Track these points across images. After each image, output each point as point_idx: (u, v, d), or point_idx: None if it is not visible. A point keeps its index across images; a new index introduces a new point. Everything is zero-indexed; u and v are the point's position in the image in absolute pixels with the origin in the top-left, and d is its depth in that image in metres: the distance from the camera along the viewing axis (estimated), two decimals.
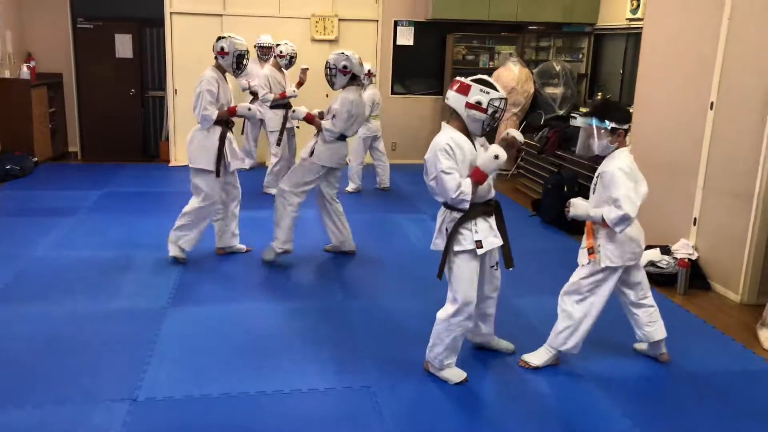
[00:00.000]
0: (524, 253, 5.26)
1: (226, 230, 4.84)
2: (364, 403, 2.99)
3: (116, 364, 3.23)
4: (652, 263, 4.67)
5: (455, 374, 3.18)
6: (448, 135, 2.99)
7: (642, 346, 3.58)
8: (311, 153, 4.62)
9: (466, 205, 2.95)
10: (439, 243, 3.12)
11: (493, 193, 3.17)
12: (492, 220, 3.15)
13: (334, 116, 4.57)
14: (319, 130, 4.65)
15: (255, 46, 7.64)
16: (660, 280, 4.61)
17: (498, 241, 3.14)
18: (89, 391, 2.97)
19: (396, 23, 8.59)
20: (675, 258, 4.66)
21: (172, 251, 4.64)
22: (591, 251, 3.22)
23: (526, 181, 7.45)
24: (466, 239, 3.02)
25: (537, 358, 3.38)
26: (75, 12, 8.19)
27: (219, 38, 4.53)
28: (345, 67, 4.58)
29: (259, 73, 7.60)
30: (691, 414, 3.02)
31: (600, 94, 8.35)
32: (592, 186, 3.28)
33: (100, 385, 3.04)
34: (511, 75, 8.11)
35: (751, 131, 4.29)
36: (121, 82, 8.40)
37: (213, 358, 3.33)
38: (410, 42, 8.57)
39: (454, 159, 2.94)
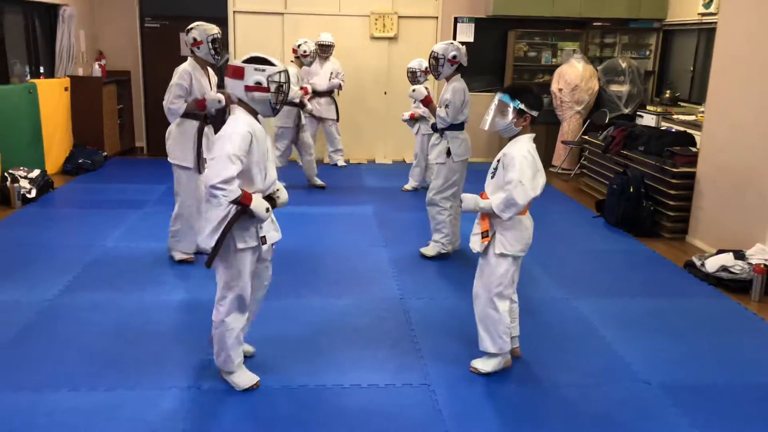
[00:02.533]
0: (586, 255, 5.15)
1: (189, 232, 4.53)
2: (424, 401, 2.97)
3: (181, 353, 3.32)
4: (724, 268, 4.47)
5: (246, 379, 3.00)
6: (248, 121, 2.75)
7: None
8: (448, 153, 4.61)
9: (216, 203, 2.70)
10: (209, 240, 2.82)
11: (277, 185, 2.98)
12: (272, 213, 2.91)
13: (446, 105, 4.55)
14: (433, 114, 4.70)
15: (316, 44, 7.72)
16: (733, 286, 4.41)
17: (278, 236, 2.99)
18: (157, 378, 3.06)
19: (456, 20, 8.51)
20: (750, 263, 4.44)
21: (177, 257, 4.59)
22: (485, 234, 3.08)
23: (589, 181, 7.26)
24: (251, 236, 2.83)
25: (485, 365, 3.22)
26: (143, 12, 8.47)
27: (188, 31, 4.41)
28: (454, 57, 4.53)
29: (318, 71, 7.69)
30: (763, 428, 2.87)
31: (668, 92, 8.06)
32: (491, 170, 3.13)
33: (166, 372, 3.12)
34: (575, 72, 7.91)
35: None
36: None
37: (272, 351, 3.37)
38: (470, 39, 8.47)
39: (246, 151, 2.69)
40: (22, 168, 6.18)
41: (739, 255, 4.54)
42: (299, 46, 6.84)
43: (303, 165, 7.01)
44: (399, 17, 8.40)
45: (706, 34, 7.57)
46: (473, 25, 8.53)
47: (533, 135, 3.13)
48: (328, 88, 7.69)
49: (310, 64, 6.99)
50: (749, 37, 4.91)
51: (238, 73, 2.73)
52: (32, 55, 7.23)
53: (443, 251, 4.86)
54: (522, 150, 3.01)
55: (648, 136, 6.16)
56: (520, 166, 2.96)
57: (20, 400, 2.86)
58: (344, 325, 3.72)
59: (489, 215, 3.09)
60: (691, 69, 7.93)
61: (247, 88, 2.74)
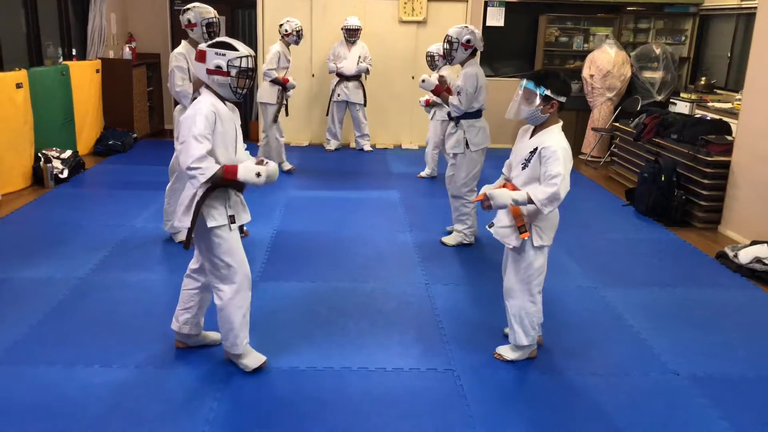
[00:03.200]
0: (615, 244, 5.08)
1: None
2: (449, 385, 2.97)
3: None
4: (758, 260, 4.37)
5: (254, 359, 3.01)
6: (210, 101, 2.76)
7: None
8: (467, 145, 4.55)
9: (196, 183, 2.70)
10: (185, 220, 2.84)
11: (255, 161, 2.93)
12: (241, 195, 2.94)
13: (459, 93, 4.46)
14: (446, 103, 4.61)
15: (342, 29, 7.69)
16: (766, 278, 4.31)
17: (247, 217, 2.96)
18: (185, 358, 3.11)
19: (486, 3, 8.38)
20: None
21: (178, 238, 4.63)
22: (522, 230, 2.99)
23: (619, 168, 7.14)
24: (220, 214, 2.82)
25: (512, 353, 3.20)
26: None
27: (184, 11, 4.39)
28: (469, 41, 4.43)
29: (346, 55, 7.66)
30: None
31: (704, 79, 7.87)
32: (523, 160, 2.99)
33: (194, 352, 3.17)
34: (607, 58, 7.76)
35: None
36: None
37: (298, 333, 3.40)
38: (500, 23, 8.35)
39: (212, 129, 2.71)
40: (54, 148, 6.29)
41: None
42: (281, 25, 6.70)
43: None
44: (428, 1, 8.32)
45: (745, 19, 7.35)
46: (504, 9, 8.40)
47: (561, 123, 3.02)
48: (356, 72, 7.66)
49: (296, 43, 6.80)
50: None
51: (201, 57, 2.77)
52: (65, 37, 7.33)
53: (465, 242, 4.82)
54: (561, 142, 2.92)
55: (681, 123, 6.03)
56: (564, 160, 2.88)
57: (54, 374, 2.93)
58: (370, 309, 3.73)
59: (519, 208, 3.00)
60: (729, 55, 7.72)
61: (209, 71, 2.76)
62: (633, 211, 5.91)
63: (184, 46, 4.46)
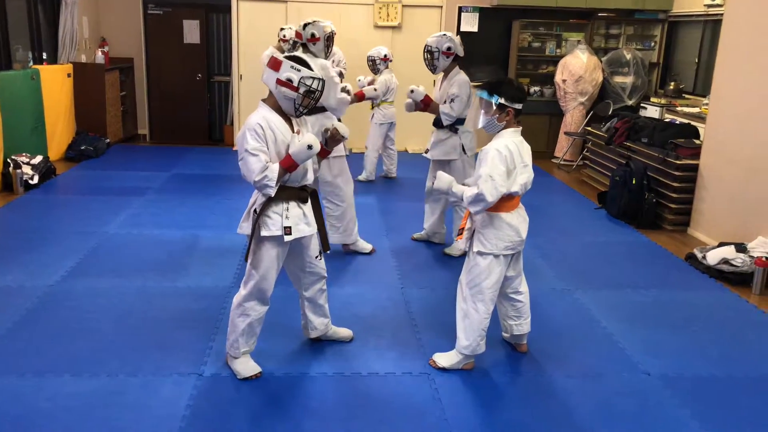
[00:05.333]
0: (587, 247, 5.15)
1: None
2: (424, 389, 2.98)
3: (183, 340, 3.33)
4: (725, 261, 4.47)
5: (248, 368, 3.02)
6: (261, 114, 2.81)
7: (506, 335, 3.39)
8: (463, 150, 4.52)
9: (270, 192, 2.77)
10: (245, 227, 2.92)
11: (310, 179, 2.99)
12: (307, 207, 2.95)
13: (452, 100, 4.44)
14: (434, 112, 4.52)
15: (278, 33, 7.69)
16: (734, 279, 4.41)
17: (309, 230, 2.95)
18: (159, 365, 3.08)
19: (460, 9, 8.46)
20: (751, 256, 4.44)
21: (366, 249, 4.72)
22: (460, 232, 3.05)
23: (591, 172, 7.25)
24: (275, 224, 2.85)
25: (446, 359, 3.18)
26: None
27: (305, 25, 4.41)
28: (449, 48, 4.44)
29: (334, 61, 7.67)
30: (765, 420, 2.87)
31: (673, 84, 8.02)
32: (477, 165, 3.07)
33: (168, 359, 3.14)
34: (579, 63, 7.88)
35: None
36: (188, 66, 8.63)
37: (275, 338, 3.39)
38: (474, 28, 8.43)
39: (264, 140, 2.76)
40: (24, 154, 6.18)
41: (741, 248, 4.54)
42: (282, 30, 6.90)
43: None
44: (403, 6, 8.36)
45: (711, 25, 7.52)
46: (477, 14, 8.49)
47: (519, 129, 2.99)
48: None
49: (290, 51, 6.93)
50: (755, 30, 4.88)
51: (276, 66, 2.78)
52: (35, 41, 7.22)
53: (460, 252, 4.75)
54: (499, 145, 2.89)
55: (651, 127, 6.14)
56: (492, 161, 2.85)
57: (23, 384, 2.88)
58: (346, 314, 3.72)
59: (470, 213, 3.02)
60: (696, 61, 7.89)
61: (279, 82, 2.77)
62: (605, 214, 6.00)
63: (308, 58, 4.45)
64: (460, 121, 4.55)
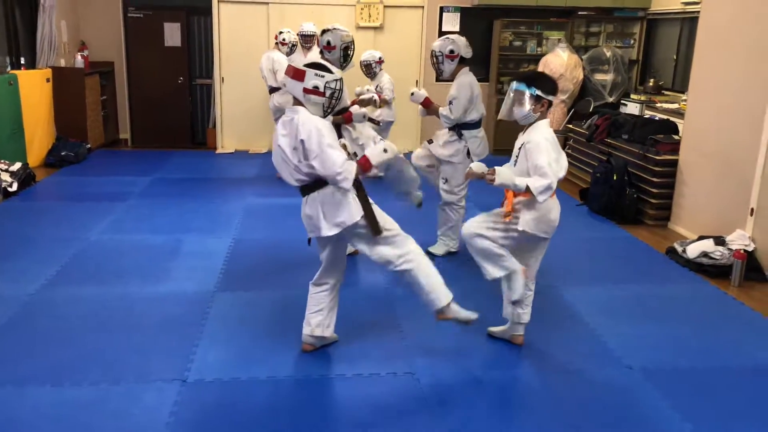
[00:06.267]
0: (570, 243, 5.18)
1: None
2: (410, 389, 2.99)
3: (166, 346, 3.32)
4: (704, 254, 4.53)
5: (464, 313, 3.13)
6: (313, 116, 2.95)
7: (496, 329, 3.47)
8: (468, 154, 4.46)
9: (347, 185, 2.90)
10: (334, 228, 3.00)
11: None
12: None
13: (450, 102, 4.42)
14: (437, 115, 4.50)
15: (298, 35, 7.67)
16: (713, 271, 4.47)
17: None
18: (142, 372, 3.06)
19: (442, 9, 8.49)
20: (730, 249, 4.50)
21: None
22: (507, 214, 3.15)
23: (573, 169, 7.29)
24: (357, 208, 2.99)
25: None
26: (126, 1, 8.38)
27: (324, 31, 4.36)
28: (452, 51, 4.42)
29: (302, 62, 7.67)
30: (745, 411, 2.92)
31: (652, 80, 8.11)
32: (513, 157, 3.19)
33: (151, 365, 3.12)
34: (560, 61, 7.94)
35: None
36: (169, 70, 8.57)
37: (259, 342, 3.38)
38: (456, 28, 8.45)
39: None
40: (3, 161, 6.12)
41: (720, 241, 4.60)
42: (281, 33, 7.01)
43: None
44: (385, 7, 8.37)
45: (689, 23, 7.61)
46: (459, 14, 8.52)
47: (549, 120, 3.21)
48: None
49: (288, 54, 7.00)
50: (730, 27, 4.95)
51: (299, 76, 2.92)
52: (12, 45, 7.14)
53: (452, 250, 4.76)
54: (545, 134, 3.09)
55: (632, 124, 6.20)
56: (547, 150, 3.04)
57: (4, 394, 2.85)
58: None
59: (513, 197, 3.13)
60: (675, 58, 7.98)
61: (306, 91, 2.93)
62: (587, 210, 6.05)
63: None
64: (467, 125, 4.44)
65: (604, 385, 3.09)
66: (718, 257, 4.49)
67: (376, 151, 3.00)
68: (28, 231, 5.03)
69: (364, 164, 2.98)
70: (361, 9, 8.35)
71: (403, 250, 3.06)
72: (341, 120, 4.38)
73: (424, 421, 2.76)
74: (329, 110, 3.00)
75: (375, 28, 8.40)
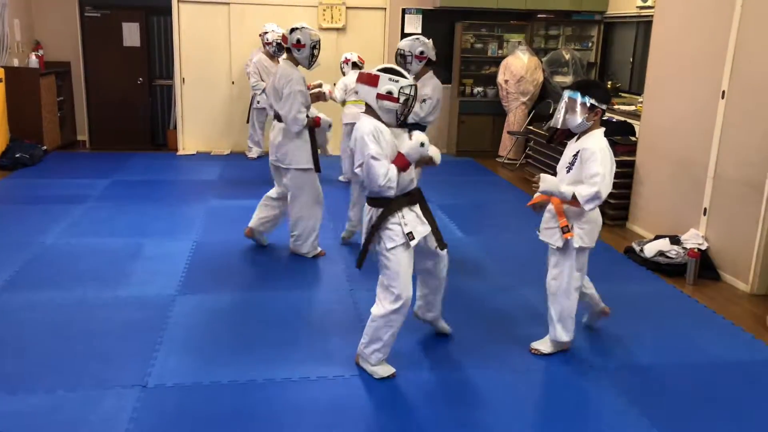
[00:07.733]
0: (531, 243, 5.21)
1: (274, 221, 4.79)
2: (374, 391, 3.00)
3: (126, 351, 3.25)
4: (661, 253, 4.65)
5: (385, 369, 3.10)
6: (371, 122, 2.91)
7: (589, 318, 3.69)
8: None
9: (392, 193, 2.88)
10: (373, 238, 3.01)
11: (415, 183, 3.08)
12: (417, 208, 3.07)
13: (424, 101, 4.43)
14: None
15: (260, 35, 7.62)
16: (669, 270, 4.60)
17: (426, 229, 3.06)
18: (100, 378, 3.00)
19: (404, 11, 8.53)
20: (684, 248, 4.63)
21: (311, 254, 4.65)
22: (566, 230, 3.18)
23: (534, 170, 7.41)
24: (396, 234, 2.94)
25: (544, 345, 3.39)
26: (83, 0, 8.18)
27: (292, 30, 4.30)
28: (422, 52, 4.46)
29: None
30: (700, 405, 3.01)
31: (610, 82, 8.29)
32: (567, 164, 3.20)
33: (110, 371, 3.06)
34: (520, 63, 8.05)
35: (764, 119, 4.24)
36: (128, 70, 8.41)
37: (221, 346, 3.35)
38: (418, 30, 8.49)
39: (380, 145, 2.86)
40: None
41: (675, 240, 4.74)
42: (265, 33, 7.18)
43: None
44: (347, 8, 8.37)
45: (644, 26, 7.81)
46: (421, 16, 8.57)
47: (603, 129, 3.19)
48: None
49: (274, 53, 7.09)
50: (682, 31, 5.10)
51: (373, 81, 2.89)
52: None
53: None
54: (601, 143, 3.08)
55: None
56: (603, 161, 3.03)
57: None
58: (294, 318, 3.71)
59: (563, 210, 3.15)
60: (631, 60, 8.17)
61: (379, 96, 2.88)
62: None
63: (290, 65, 4.33)
64: (421, 126, 4.45)
65: (562, 384, 3.15)
66: (673, 256, 4.62)
67: (413, 145, 2.86)
68: None
69: (401, 164, 2.88)
70: (324, 10, 8.33)
71: (383, 298, 3.01)
72: (312, 122, 4.40)
73: (388, 422, 2.77)
74: (402, 117, 2.93)
75: (338, 29, 8.39)
